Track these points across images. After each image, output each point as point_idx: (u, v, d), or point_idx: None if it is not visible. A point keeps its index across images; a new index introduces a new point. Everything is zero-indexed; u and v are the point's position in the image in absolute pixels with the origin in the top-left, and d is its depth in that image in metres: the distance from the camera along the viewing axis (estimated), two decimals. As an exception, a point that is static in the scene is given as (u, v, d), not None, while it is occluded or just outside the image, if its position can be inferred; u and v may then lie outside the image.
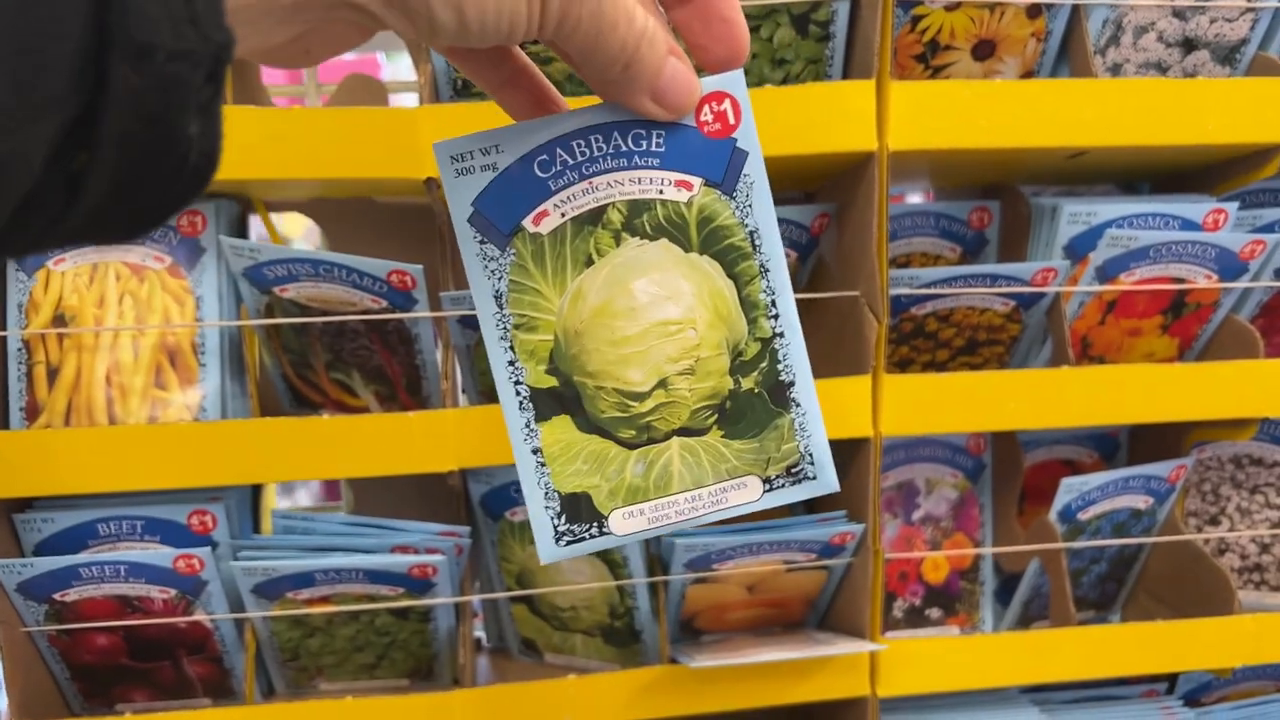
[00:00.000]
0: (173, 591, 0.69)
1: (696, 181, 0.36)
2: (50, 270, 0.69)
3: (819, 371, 0.68)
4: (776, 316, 0.37)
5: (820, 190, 0.82)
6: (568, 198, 0.36)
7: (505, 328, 0.37)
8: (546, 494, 0.38)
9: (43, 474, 0.67)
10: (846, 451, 0.75)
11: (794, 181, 0.82)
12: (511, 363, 0.37)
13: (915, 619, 0.88)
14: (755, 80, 0.72)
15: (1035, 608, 0.87)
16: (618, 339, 0.37)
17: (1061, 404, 0.74)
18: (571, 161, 0.36)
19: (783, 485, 0.38)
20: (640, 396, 0.37)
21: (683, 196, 0.37)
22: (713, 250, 0.37)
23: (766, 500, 0.38)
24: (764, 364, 0.38)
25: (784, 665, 0.75)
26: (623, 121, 0.36)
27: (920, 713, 0.82)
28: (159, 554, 0.68)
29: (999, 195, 0.85)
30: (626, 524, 0.38)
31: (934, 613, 0.88)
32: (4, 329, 0.69)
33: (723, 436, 0.38)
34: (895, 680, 0.77)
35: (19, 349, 0.69)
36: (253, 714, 0.71)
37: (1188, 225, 0.78)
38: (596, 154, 0.36)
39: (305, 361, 0.75)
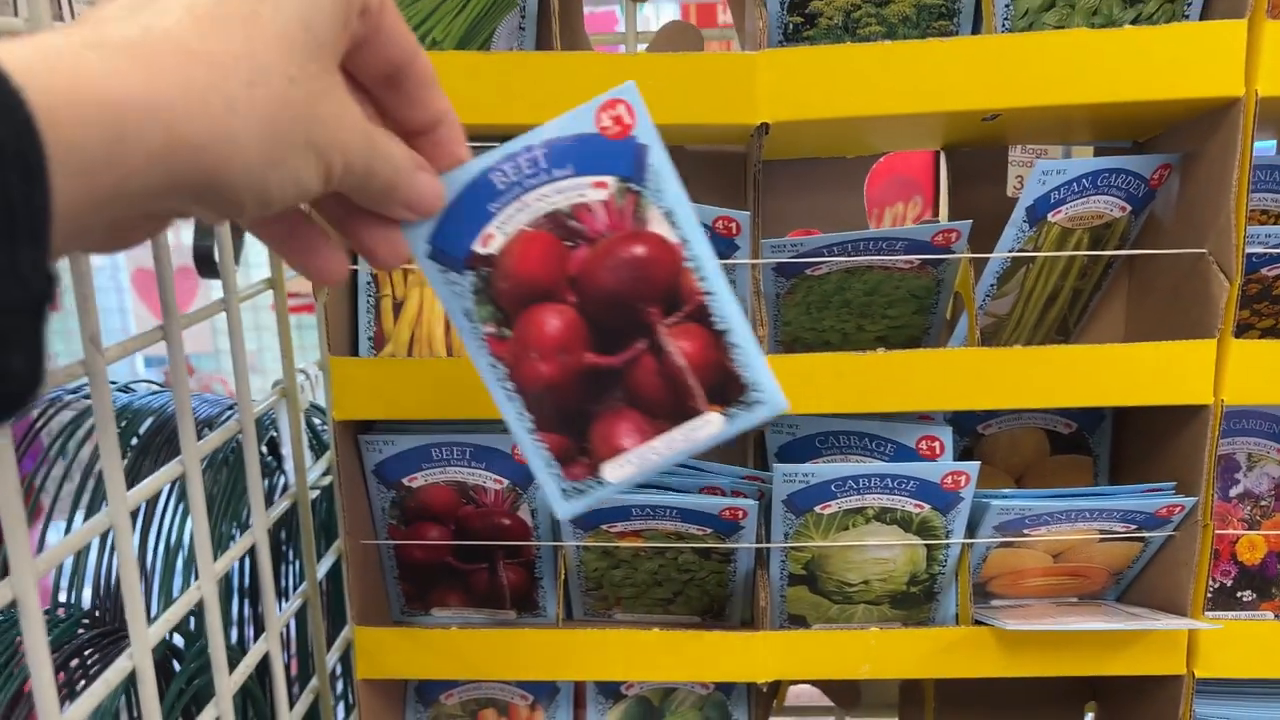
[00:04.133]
0: (505, 482, 0.74)
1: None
2: (396, 209, 0.74)
3: (1150, 335, 0.66)
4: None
5: (1155, 141, 0.77)
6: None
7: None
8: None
9: (385, 399, 0.72)
10: (1178, 419, 0.71)
11: (1126, 131, 0.77)
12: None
13: (1225, 600, 0.82)
14: (1104, 21, 0.68)
15: (1365, 599, 0.80)
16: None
17: None
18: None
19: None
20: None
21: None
22: None
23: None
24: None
25: (1093, 636, 0.72)
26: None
27: (1232, 699, 0.78)
28: (499, 438, 0.75)
29: (1355, 148, 0.78)
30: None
31: (1246, 595, 0.82)
32: (356, 263, 0.74)
33: None
34: (1213, 662, 0.73)
35: (368, 282, 0.74)
36: (563, 636, 0.75)
37: None
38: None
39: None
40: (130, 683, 0.56)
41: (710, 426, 0.44)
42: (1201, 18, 0.67)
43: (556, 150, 0.42)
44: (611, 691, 0.84)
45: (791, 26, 0.69)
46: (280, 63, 0.31)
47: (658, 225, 0.43)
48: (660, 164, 0.42)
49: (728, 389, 0.44)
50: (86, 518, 0.85)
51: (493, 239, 0.42)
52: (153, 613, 0.83)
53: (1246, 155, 0.64)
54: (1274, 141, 0.87)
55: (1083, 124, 0.75)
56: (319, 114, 0.33)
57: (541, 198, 0.42)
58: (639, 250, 0.43)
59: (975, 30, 0.69)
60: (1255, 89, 0.64)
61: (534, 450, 0.45)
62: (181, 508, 0.85)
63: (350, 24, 0.34)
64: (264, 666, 0.74)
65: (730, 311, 0.43)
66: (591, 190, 0.42)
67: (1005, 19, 0.67)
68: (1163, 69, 0.64)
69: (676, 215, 0.42)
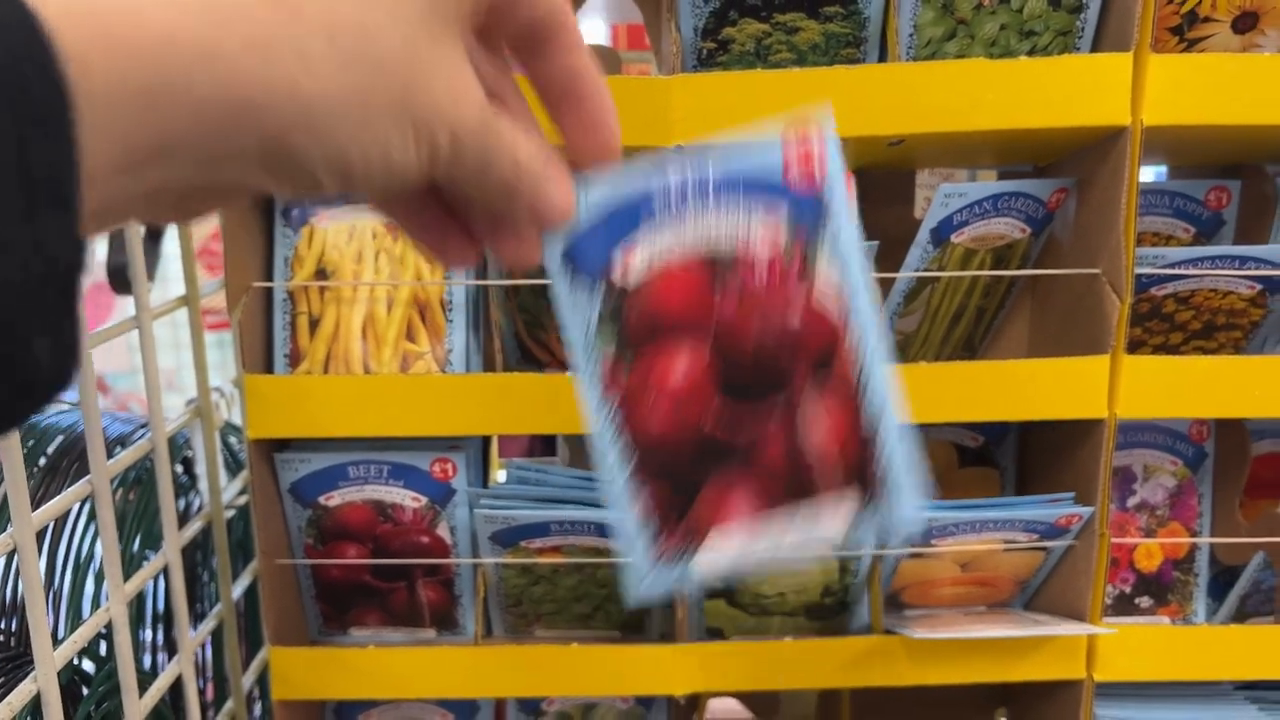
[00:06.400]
0: (424, 500, 0.74)
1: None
2: (314, 226, 0.74)
3: (1051, 352, 0.66)
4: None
5: (1055, 165, 0.81)
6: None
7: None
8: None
9: (301, 417, 0.72)
10: (1077, 433, 0.74)
11: (1028, 155, 0.81)
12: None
13: (1124, 606, 0.86)
14: (1001, 51, 0.71)
15: (1253, 603, 0.84)
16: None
17: (1312, 393, 0.71)
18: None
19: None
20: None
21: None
22: None
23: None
24: None
25: (999, 643, 0.74)
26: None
27: (1131, 701, 0.81)
28: (417, 456, 0.74)
29: (1239, 174, 0.82)
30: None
31: (1144, 601, 0.86)
32: (271, 280, 0.74)
33: None
34: (1112, 666, 0.76)
35: (284, 299, 0.74)
36: (482, 653, 0.75)
37: None
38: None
39: (538, 322, 0.78)
40: (35, 707, 0.55)
41: (836, 517, 0.38)
42: (1093, 50, 0.71)
43: (727, 180, 0.36)
44: (532, 708, 0.84)
45: (705, 52, 0.71)
46: (383, 20, 0.28)
47: (825, 276, 0.37)
48: (842, 208, 0.37)
49: (863, 476, 0.38)
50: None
51: (636, 261, 0.37)
52: (65, 636, 0.81)
53: (1134, 181, 0.68)
54: (1165, 167, 0.91)
55: (985, 149, 0.78)
56: (427, 85, 0.29)
57: (700, 226, 0.37)
58: (796, 306, 0.37)
59: (881, 58, 0.72)
60: (1141, 118, 0.67)
61: (628, 506, 0.38)
62: (94, 527, 0.83)
63: None
64: (179, 690, 0.73)
65: (884, 386, 0.37)
66: (758, 225, 0.37)
67: (909, 48, 0.70)
68: (1055, 98, 0.67)
69: (849, 269, 0.37)
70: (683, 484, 0.38)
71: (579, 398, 0.38)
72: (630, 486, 0.38)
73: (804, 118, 0.36)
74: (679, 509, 0.38)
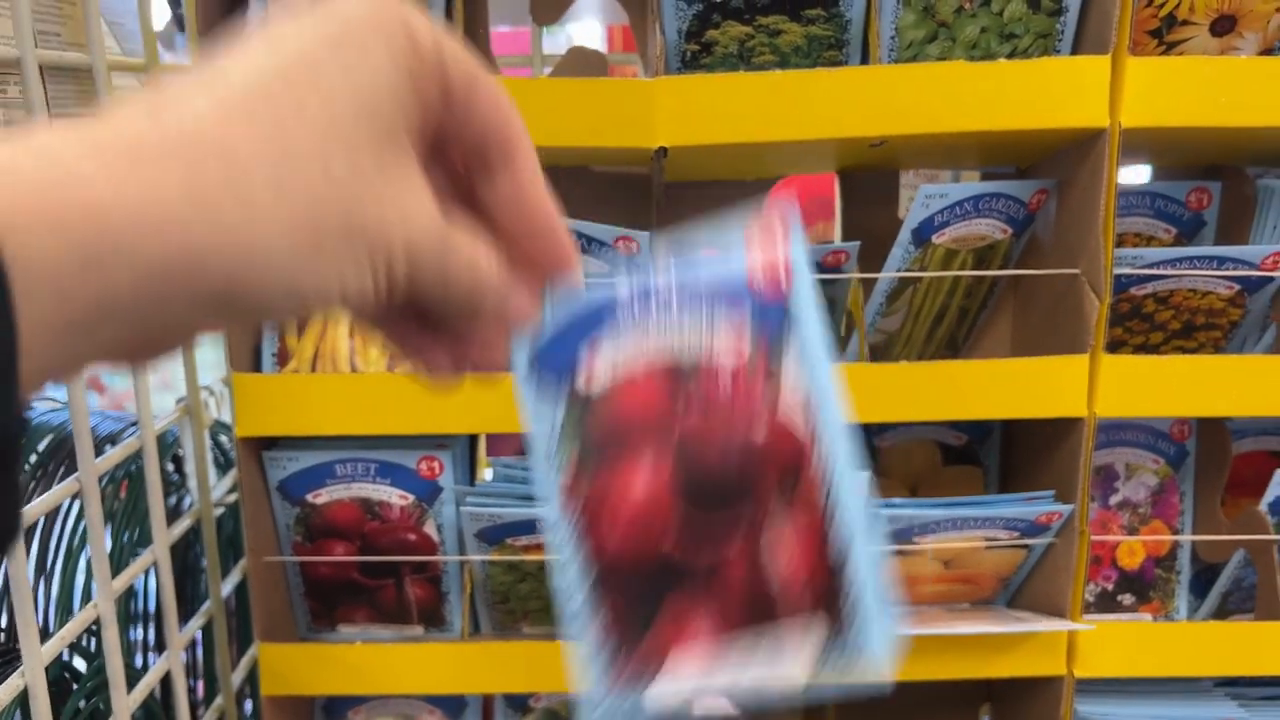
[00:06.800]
0: (411, 498, 0.75)
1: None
2: (302, 227, 0.74)
3: (1033, 351, 0.65)
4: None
5: (1037, 166, 0.81)
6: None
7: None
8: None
9: (289, 415, 0.72)
10: (1059, 431, 0.75)
11: (1010, 156, 0.82)
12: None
13: (1107, 604, 0.87)
14: (982, 53, 0.71)
15: (1235, 600, 0.85)
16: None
17: (1290, 393, 0.72)
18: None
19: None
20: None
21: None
22: None
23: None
24: None
25: (981, 640, 0.75)
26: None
27: (1113, 697, 0.82)
28: (404, 454, 0.74)
29: (1219, 176, 0.83)
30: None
31: (1126, 599, 0.87)
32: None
33: None
34: (1092, 662, 0.76)
35: (272, 299, 0.75)
36: (468, 649, 0.76)
37: None
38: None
39: (525, 321, 0.78)
40: (23, 702, 0.56)
41: (800, 654, 0.35)
42: (1072, 53, 0.72)
43: (691, 286, 0.35)
44: (519, 704, 0.85)
45: (689, 54, 0.72)
46: (321, 154, 0.27)
47: (791, 387, 0.35)
48: (808, 318, 0.35)
49: (830, 611, 0.35)
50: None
51: (600, 367, 0.36)
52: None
53: (1112, 182, 0.69)
54: (1149, 167, 0.92)
55: (968, 150, 0.79)
56: (376, 206, 0.28)
57: (663, 333, 0.36)
58: (761, 419, 0.35)
59: (863, 60, 0.72)
60: (1119, 120, 0.68)
61: (586, 625, 0.36)
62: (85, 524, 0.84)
63: (428, 107, 0.30)
64: (170, 687, 0.73)
65: (854, 513, 0.35)
66: (722, 331, 0.35)
67: (891, 50, 0.71)
68: (1035, 100, 0.68)
69: (816, 380, 0.35)
70: (641, 603, 0.36)
71: (540, 506, 0.37)
72: (589, 603, 0.36)
73: (770, 221, 0.35)
74: (637, 630, 0.36)
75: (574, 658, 0.36)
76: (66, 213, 0.23)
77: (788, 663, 0.35)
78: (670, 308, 0.36)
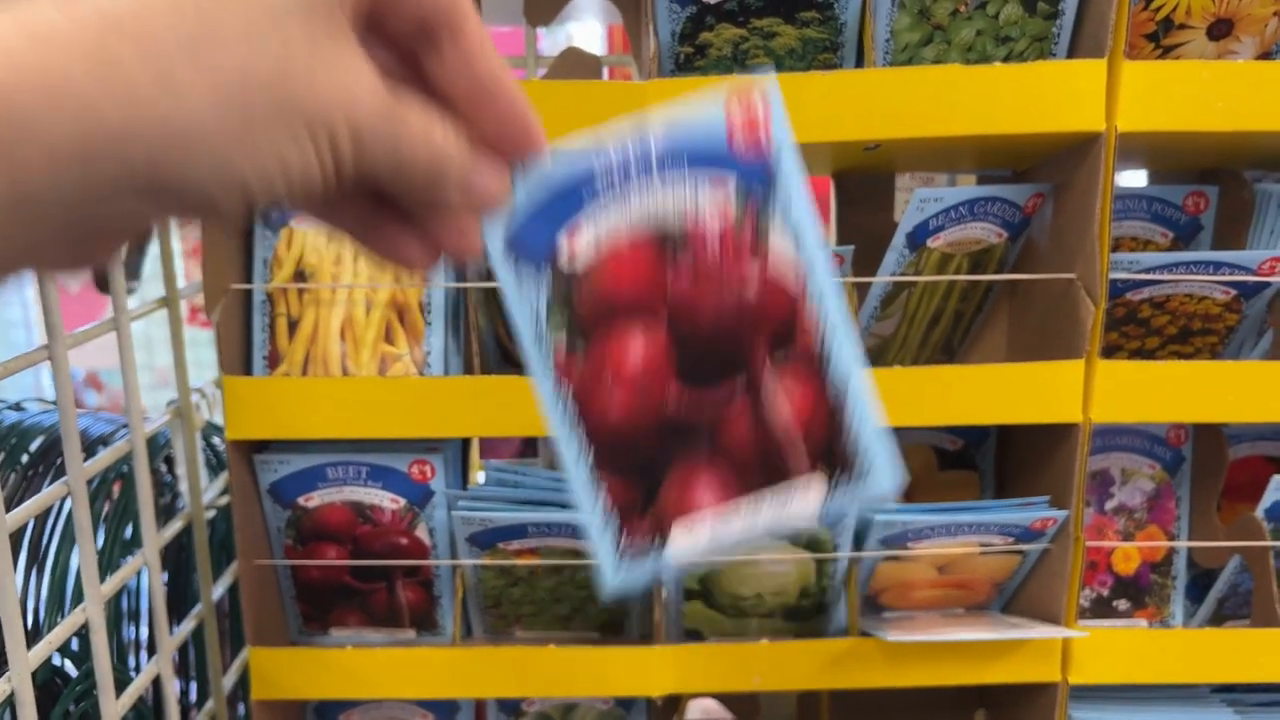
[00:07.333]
0: (402, 501, 0.74)
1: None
2: (293, 229, 0.74)
3: (1029, 356, 0.65)
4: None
5: (1033, 170, 0.81)
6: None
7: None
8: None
9: (280, 418, 0.72)
10: (1054, 436, 0.75)
11: (1006, 160, 0.81)
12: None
13: (1102, 609, 0.86)
14: (978, 57, 0.71)
15: (1230, 606, 0.84)
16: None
17: (1286, 398, 0.72)
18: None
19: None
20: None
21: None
22: None
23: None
24: None
25: (975, 646, 0.75)
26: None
27: (1108, 703, 0.81)
28: (396, 457, 0.74)
29: (1217, 180, 0.82)
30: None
31: (1122, 604, 0.86)
32: (250, 282, 0.74)
33: None
34: (1087, 668, 0.76)
35: (263, 301, 0.74)
36: (461, 654, 0.76)
37: None
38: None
39: (518, 323, 0.78)
40: (10, 706, 0.55)
41: (808, 496, 0.37)
42: (1068, 56, 0.71)
43: (671, 148, 0.35)
44: (512, 708, 0.85)
45: (683, 57, 0.71)
46: (246, 30, 0.26)
47: (779, 247, 0.36)
48: (792, 174, 0.35)
49: (833, 452, 0.36)
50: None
51: (582, 243, 0.36)
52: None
53: (1108, 186, 0.68)
54: (1145, 171, 0.92)
55: (963, 153, 0.79)
56: (310, 82, 0.27)
57: (646, 203, 0.35)
58: (752, 279, 0.36)
59: (858, 63, 0.72)
60: (1115, 124, 0.67)
61: (591, 499, 0.37)
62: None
63: None
64: (161, 690, 0.73)
65: (849, 356, 0.36)
66: (707, 197, 0.35)
67: (886, 53, 0.70)
68: (1031, 104, 0.68)
69: (803, 238, 0.36)
70: (646, 473, 0.37)
71: (535, 393, 0.37)
72: (592, 480, 0.37)
73: (747, 84, 0.35)
74: (644, 499, 0.37)
75: (585, 532, 0.37)
76: None
77: (796, 507, 0.37)
78: (650, 176, 0.35)
